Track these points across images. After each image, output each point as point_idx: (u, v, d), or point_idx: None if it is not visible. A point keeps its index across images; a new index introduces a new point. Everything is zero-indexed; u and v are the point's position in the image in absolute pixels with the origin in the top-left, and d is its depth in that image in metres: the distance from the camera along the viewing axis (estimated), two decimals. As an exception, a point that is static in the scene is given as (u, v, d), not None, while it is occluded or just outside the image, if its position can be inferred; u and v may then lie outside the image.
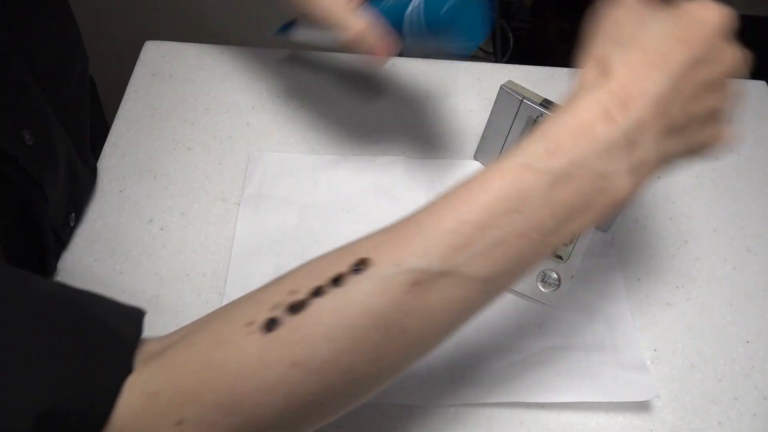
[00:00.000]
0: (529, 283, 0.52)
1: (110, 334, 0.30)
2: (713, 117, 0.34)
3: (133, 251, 0.53)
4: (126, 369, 0.29)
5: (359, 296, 0.29)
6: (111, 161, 0.59)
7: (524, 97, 0.54)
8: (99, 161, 0.59)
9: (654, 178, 0.34)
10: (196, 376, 0.29)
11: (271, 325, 0.29)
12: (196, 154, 0.60)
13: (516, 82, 0.55)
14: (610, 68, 0.33)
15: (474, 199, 0.31)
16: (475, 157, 0.61)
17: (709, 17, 0.33)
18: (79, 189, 0.53)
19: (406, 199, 0.58)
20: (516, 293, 0.52)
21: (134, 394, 0.29)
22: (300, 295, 0.29)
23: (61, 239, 0.52)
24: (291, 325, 0.29)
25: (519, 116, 0.55)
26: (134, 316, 0.32)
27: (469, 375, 0.48)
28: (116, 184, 0.57)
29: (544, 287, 0.51)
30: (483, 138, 0.59)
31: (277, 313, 0.29)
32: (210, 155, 0.60)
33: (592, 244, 0.56)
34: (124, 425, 0.28)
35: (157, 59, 0.67)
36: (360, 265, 0.30)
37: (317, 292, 0.29)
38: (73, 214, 0.52)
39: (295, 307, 0.29)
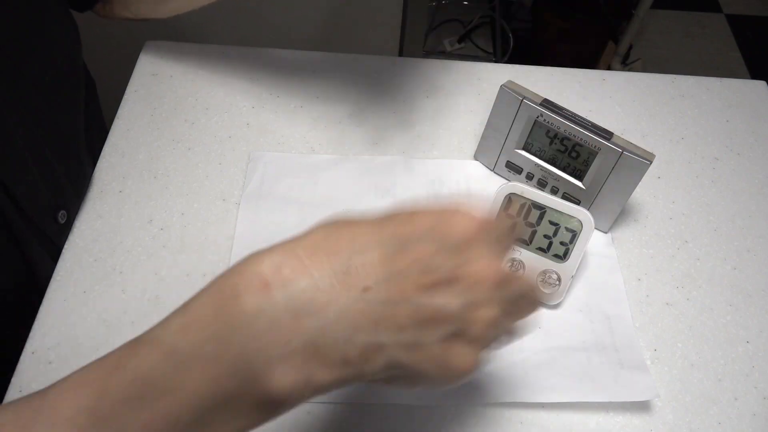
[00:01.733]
0: (529, 283, 0.52)
1: None
2: (447, 325, 0.27)
3: (133, 251, 0.53)
4: None
5: None
6: (111, 161, 0.59)
7: (524, 97, 0.54)
8: (99, 161, 0.59)
9: (374, 376, 0.27)
10: None
11: None
12: (196, 154, 0.60)
13: (516, 82, 0.55)
14: (306, 232, 0.28)
15: (96, 381, 0.26)
16: (475, 157, 0.61)
17: (456, 215, 0.28)
18: (64, 186, 0.53)
19: (406, 199, 0.58)
20: (516, 293, 0.52)
21: None
22: None
23: (49, 237, 0.51)
24: None
25: (519, 116, 0.55)
26: None
27: (469, 375, 0.48)
28: (116, 184, 0.57)
29: (544, 287, 0.51)
30: (483, 138, 0.59)
31: None
32: (210, 155, 0.60)
33: (592, 244, 0.56)
34: None
35: (157, 59, 0.67)
36: None
37: None
38: (62, 212, 0.52)
39: None
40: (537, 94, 0.54)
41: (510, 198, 0.52)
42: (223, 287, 0.26)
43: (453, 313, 0.27)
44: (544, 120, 0.53)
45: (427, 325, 0.27)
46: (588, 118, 0.53)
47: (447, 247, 0.27)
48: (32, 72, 0.49)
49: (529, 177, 0.58)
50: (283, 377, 0.25)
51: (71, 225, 0.54)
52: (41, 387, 0.28)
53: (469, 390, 0.47)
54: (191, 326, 0.26)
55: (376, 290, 0.26)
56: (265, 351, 0.25)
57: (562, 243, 0.51)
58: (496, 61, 1.70)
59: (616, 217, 0.56)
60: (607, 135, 0.52)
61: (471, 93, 0.66)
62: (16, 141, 0.46)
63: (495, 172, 0.60)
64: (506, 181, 0.54)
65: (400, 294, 0.26)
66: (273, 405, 0.26)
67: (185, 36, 0.70)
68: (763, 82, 0.71)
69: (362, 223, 0.28)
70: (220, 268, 0.52)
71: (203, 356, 0.25)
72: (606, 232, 0.57)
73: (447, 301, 0.27)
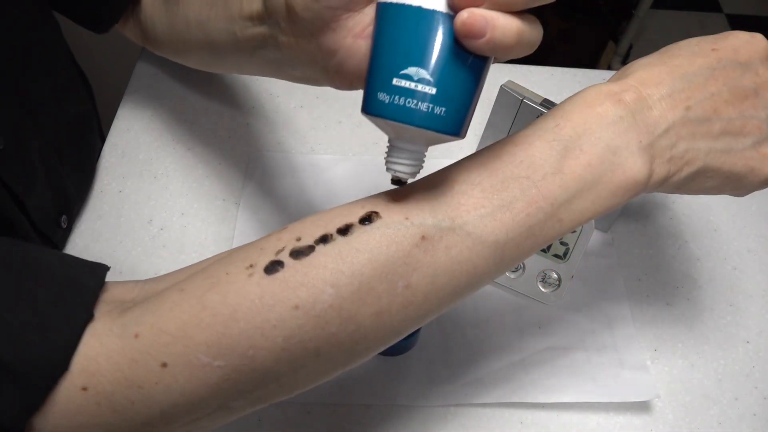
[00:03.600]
0: (529, 283, 0.52)
1: (67, 283, 0.29)
2: (759, 132, 0.33)
3: (133, 251, 0.53)
4: (85, 316, 0.28)
5: (366, 245, 0.29)
6: (111, 161, 0.59)
7: (524, 97, 0.54)
8: (99, 161, 0.59)
9: (687, 178, 0.33)
10: (185, 316, 0.28)
11: (273, 267, 0.28)
12: (196, 154, 0.60)
13: (516, 82, 0.55)
14: (630, 69, 0.34)
15: (485, 164, 0.31)
16: (475, 157, 0.61)
17: (746, 37, 0.34)
18: (68, 191, 0.53)
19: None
20: (516, 293, 0.52)
21: (109, 339, 0.28)
22: (305, 242, 0.29)
23: (54, 242, 0.51)
24: (295, 268, 0.28)
25: (519, 116, 0.55)
26: (96, 268, 0.31)
27: (469, 375, 0.48)
28: (116, 184, 0.57)
29: (544, 287, 0.51)
30: (483, 138, 0.59)
31: (281, 257, 0.29)
32: (210, 155, 0.60)
33: (592, 244, 0.56)
34: (98, 371, 0.27)
35: (157, 59, 0.67)
36: (368, 217, 0.30)
37: (323, 239, 0.29)
38: (64, 217, 0.52)
39: (300, 252, 0.29)
40: (537, 94, 0.54)
41: (510, 198, 0.52)
42: (587, 99, 0.32)
43: (761, 121, 0.33)
44: (544, 120, 0.53)
45: (738, 134, 0.33)
46: (588, 118, 0.53)
47: (751, 67, 0.34)
48: (39, 83, 0.49)
49: (529, 177, 0.58)
50: (636, 166, 0.31)
51: (72, 227, 0.54)
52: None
53: (469, 390, 0.47)
54: (565, 125, 0.31)
55: (695, 108, 0.32)
56: (626, 146, 0.31)
57: (562, 243, 0.51)
58: (496, 61, 1.69)
59: (617, 217, 0.56)
60: (607, 135, 0.51)
61: (471, 93, 0.66)
62: (32, 154, 0.46)
63: (495, 172, 0.60)
64: (506, 181, 0.54)
65: (714, 111, 0.32)
66: (625, 190, 0.31)
67: (185, 36, 0.70)
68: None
69: (676, 58, 0.34)
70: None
71: (579, 146, 0.31)
72: (606, 232, 0.57)
73: (755, 113, 0.33)
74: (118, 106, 0.63)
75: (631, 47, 1.69)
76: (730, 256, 0.57)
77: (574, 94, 0.33)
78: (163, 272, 0.52)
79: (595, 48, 1.71)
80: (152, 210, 0.56)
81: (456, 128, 0.29)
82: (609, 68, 1.68)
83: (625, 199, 0.32)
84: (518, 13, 0.26)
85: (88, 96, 0.60)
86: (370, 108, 0.29)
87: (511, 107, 0.55)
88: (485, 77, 0.30)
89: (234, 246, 0.53)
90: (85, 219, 0.55)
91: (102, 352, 0.27)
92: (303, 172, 0.59)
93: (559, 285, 0.51)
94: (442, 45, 0.27)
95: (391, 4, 0.27)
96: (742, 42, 0.34)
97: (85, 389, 0.27)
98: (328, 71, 0.32)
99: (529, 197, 0.30)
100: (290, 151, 0.61)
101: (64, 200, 0.52)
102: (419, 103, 0.27)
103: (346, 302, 0.28)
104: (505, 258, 0.31)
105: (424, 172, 0.32)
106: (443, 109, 0.28)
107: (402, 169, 0.30)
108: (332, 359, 0.30)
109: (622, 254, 0.56)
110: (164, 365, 0.27)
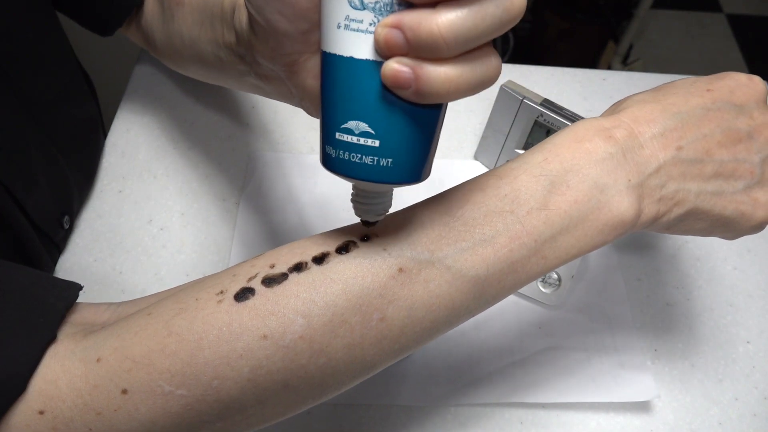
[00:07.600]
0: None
1: (33, 302, 0.29)
2: (751, 176, 0.33)
3: (132, 251, 0.53)
4: (47, 337, 0.28)
5: (341, 275, 0.28)
6: (111, 161, 0.59)
7: (524, 97, 0.54)
8: (99, 161, 0.59)
9: (676, 219, 0.32)
10: (150, 342, 0.27)
11: (244, 294, 0.28)
12: (196, 154, 0.60)
13: (516, 82, 0.55)
14: (623, 105, 0.33)
15: (468, 197, 0.30)
16: (475, 157, 0.61)
17: (743, 79, 0.34)
18: (71, 191, 0.53)
19: (405, 198, 0.58)
20: (516, 293, 0.52)
21: (70, 362, 0.27)
22: (279, 269, 0.29)
23: (55, 242, 0.51)
24: (266, 296, 0.28)
25: (519, 116, 0.55)
26: (66, 288, 0.30)
27: (469, 375, 0.48)
28: (116, 184, 0.57)
29: (544, 287, 0.51)
30: (483, 138, 0.59)
31: (252, 284, 0.28)
32: (210, 155, 0.60)
33: (592, 244, 0.56)
34: (56, 395, 0.26)
35: (157, 60, 0.67)
36: (345, 247, 0.29)
37: (298, 267, 0.29)
38: (66, 217, 0.52)
39: (273, 280, 0.28)
40: (537, 94, 0.54)
41: (510, 198, 0.52)
42: (578, 133, 0.32)
43: (754, 165, 0.33)
44: (544, 120, 0.53)
45: (730, 177, 0.33)
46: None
47: (745, 110, 0.34)
48: (42, 84, 0.49)
49: (529, 177, 0.58)
50: (624, 205, 0.30)
51: (72, 227, 0.54)
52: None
53: (469, 390, 0.47)
54: (552, 160, 0.31)
55: (687, 149, 0.32)
56: (614, 184, 0.30)
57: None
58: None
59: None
60: (607, 135, 0.51)
61: (471, 93, 0.66)
62: (32, 154, 0.46)
63: (495, 172, 0.60)
64: (506, 181, 0.54)
65: (706, 152, 0.32)
66: (612, 229, 0.30)
67: (185, 36, 0.70)
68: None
69: (670, 96, 0.33)
70: (220, 268, 0.52)
71: (565, 182, 0.30)
72: (606, 232, 0.57)
73: (747, 156, 0.33)
74: (118, 106, 0.63)
75: (631, 47, 1.69)
76: (730, 256, 0.57)
77: (565, 128, 0.33)
78: (163, 272, 0.52)
79: (595, 48, 1.71)
80: (152, 210, 0.56)
81: (409, 176, 0.27)
82: (609, 68, 1.68)
83: (612, 238, 0.31)
84: (460, 55, 0.24)
85: (92, 97, 0.60)
86: (323, 161, 0.27)
87: (511, 107, 0.55)
88: (441, 118, 0.27)
89: (234, 246, 0.54)
90: (86, 219, 0.55)
91: (62, 376, 0.27)
92: (303, 172, 0.59)
93: (559, 285, 0.51)
94: (380, 95, 0.25)
95: (327, 53, 0.26)
96: (739, 84, 0.34)
97: (42, 413, 0.26)
98: (304, 107, 0.32)
99: (512, 232, 0.29)
100: (290, 151, 0.61)
101: (67, 200, 0.52)
102: (364, 157, 0.26)
103: (317, 334, 0.27)
104: (486, 294, 0.30)
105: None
106: (390, 160, 0.26)
107: (368, 215, 0.29)
108: (301, 392, 0.29)
109: (622, 254, 0.56)
110: (125, 392, 0.26)
